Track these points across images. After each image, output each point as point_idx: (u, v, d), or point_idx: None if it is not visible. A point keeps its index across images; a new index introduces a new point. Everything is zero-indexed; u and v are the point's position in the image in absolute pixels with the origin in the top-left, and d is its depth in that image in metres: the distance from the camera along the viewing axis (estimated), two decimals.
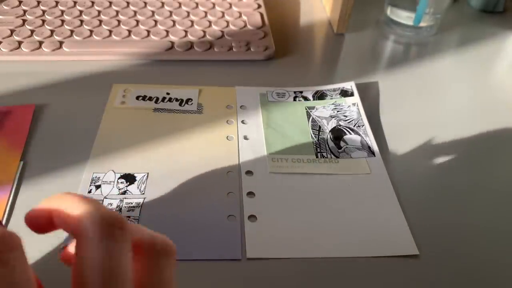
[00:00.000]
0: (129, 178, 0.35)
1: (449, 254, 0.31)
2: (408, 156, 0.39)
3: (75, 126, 0.39)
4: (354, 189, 0.35)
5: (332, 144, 0.39)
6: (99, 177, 0.34)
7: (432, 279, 0.30)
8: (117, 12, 0.51)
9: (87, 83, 0.43)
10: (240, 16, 0.53)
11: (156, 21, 0.51)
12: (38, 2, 0.52)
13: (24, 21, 0.49)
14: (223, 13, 0.53)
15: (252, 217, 0.33)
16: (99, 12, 0.51)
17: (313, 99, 0.43)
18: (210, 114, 0.41)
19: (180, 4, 0.54)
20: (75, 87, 0.43)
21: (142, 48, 0.47)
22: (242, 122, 0.40)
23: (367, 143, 0.39)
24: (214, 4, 0.54)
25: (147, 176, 0.35)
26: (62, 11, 0.51)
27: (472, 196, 0.36)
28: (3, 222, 0.31)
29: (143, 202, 0.33)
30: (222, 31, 0.50)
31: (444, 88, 0.47)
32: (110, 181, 0.34)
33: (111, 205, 0.33)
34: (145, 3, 0.53)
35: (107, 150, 0.37)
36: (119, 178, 0.34)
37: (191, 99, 0.42)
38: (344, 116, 0.41)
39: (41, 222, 0.18)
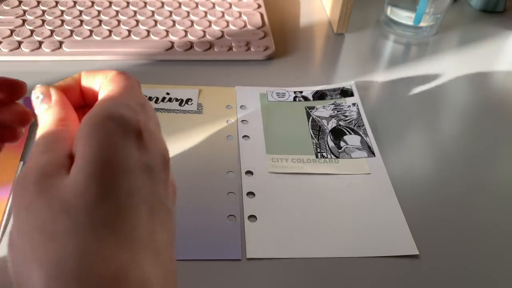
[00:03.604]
0: None
1: (449, 254, 0.31)
2: (408, 156, 0.38)
3: None
4: (354, 189, 0.35)
5: (332, 144, 0.39)
6: None
7: (432, 279, 0.30)
8: (117, 12, 0.51)
9: None
10: (240, 16, 0.53)
11: (156, 21, 0.51)
12: (38, 2, 0.52)
13: (24, 21, 0.49)
14: (223, 13, 0.53)
15: (252, 217, 0.33)
16: (99, 12, 0.51)
17: (313, 99, 0.43)
18: (210, 114, 0.41)
19: (180, 4, 0.54)
20: None
21: (142, 48, 0.47)
22: (242, 122, 0.40)
23: (367, 143, 0.39)
24: (214, 4, 0.54)
25: None
26: (62, 11, 0.51)
27: (472, 196, 0.36)
28: (3, 222, 0.31)
29: None
30: (222, 31, 0.50)
31: (444, 88, 0.47)
32: None
33: None
34: (145, 3, 0.53)
35: None
36: None
37: (191, 99, 0.42)
38: (344, 116, 0.41)
39: None
